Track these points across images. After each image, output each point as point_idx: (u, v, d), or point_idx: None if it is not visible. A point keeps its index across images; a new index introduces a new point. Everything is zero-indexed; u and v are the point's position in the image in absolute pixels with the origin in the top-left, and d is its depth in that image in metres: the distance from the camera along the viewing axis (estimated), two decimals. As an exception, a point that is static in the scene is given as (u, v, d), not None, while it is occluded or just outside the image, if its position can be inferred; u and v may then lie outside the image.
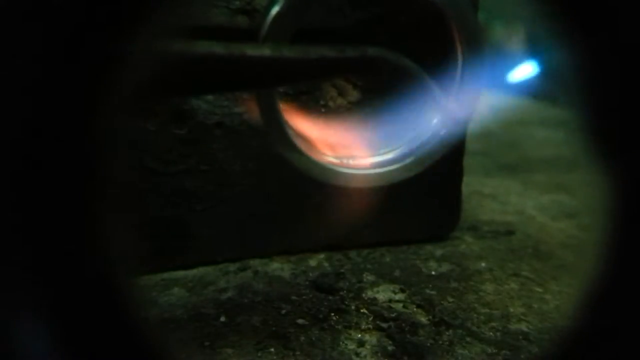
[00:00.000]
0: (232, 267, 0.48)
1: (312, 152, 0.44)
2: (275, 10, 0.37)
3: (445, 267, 0.49)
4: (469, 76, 0.43)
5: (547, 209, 0.65)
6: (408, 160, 0.46)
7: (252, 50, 0.28)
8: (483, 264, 0.50)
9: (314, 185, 0.42)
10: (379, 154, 0.46)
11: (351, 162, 0.46)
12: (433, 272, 0.48)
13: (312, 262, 0.49)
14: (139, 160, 0.44)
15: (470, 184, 0.64)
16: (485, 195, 0.70)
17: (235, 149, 0.47)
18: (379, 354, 0.37)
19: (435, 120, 0.46)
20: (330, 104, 0.49)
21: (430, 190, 0.52)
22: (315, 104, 0.49)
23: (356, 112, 0.50)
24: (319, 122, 0.48)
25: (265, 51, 0.29)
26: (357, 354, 0.36)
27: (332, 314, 0.41)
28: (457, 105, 0.42)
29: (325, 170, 0.43)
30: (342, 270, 0.48)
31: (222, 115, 0.46)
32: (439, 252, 0.53)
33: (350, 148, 0.48)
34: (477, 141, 0.89)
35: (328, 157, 0.44)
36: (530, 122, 1.13)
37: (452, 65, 0.44)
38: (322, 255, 0.51)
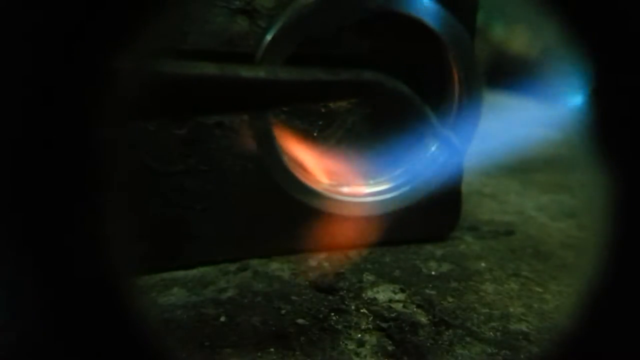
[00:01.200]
0: (232, 267, 0.48)
1: (307, 179, 0.44)
2: (270, 35, 0.37)
3: (445, 267, 0.49)
4: (467, 105, 0.43)
5: (547, 209, 0.65)
6: (403, 189, 0.46)
7: (246, 72, 0.28)
8: (483, 264, 0.50)
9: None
10: (375, 183, 0.46)
11: (346, 189, 0.45)
12: (433, 272, 0.48)
13: (312, 262, 0.49)
14: (139, 160, 0.44)
15: (470, 184, 0.64)
16: (485, 195, 0.70)
17: (235, 149, 0.47)
18: (379, 354, 0.37)
19: (432, 149, 0.46)
20: (331, 104, 0.49)
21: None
22: (315, 106, 0.49)
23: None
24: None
25: (260, 73, 0.28)
26: (357, 354, 0.36)
27: (332, 314, 0.41)
28: (454, 134, 0.42)
29: (320, 198, 0.43)
30: (342, 270, 0.48)
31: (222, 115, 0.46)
32: (439, 252, 0.53)
33: (346, 175, 0.48)
34: (477, 141, 0.89)
35: (323, 184, 0.44)
36: (530, 122, 1.12)
37: (449, 93, 0.44)
38: (322, 255, 0.51)
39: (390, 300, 0.43)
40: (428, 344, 0.38)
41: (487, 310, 0.42)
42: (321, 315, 0.41)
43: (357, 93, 0.35)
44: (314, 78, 0.30)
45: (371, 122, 0.50)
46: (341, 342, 0.38)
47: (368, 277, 0.47)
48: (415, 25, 0.45)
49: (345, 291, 0.44)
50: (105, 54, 0.15)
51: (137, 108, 0.16)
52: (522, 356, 0.37)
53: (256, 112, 0.38)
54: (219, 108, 0.32)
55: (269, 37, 0.40)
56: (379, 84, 0.33)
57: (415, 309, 0.42)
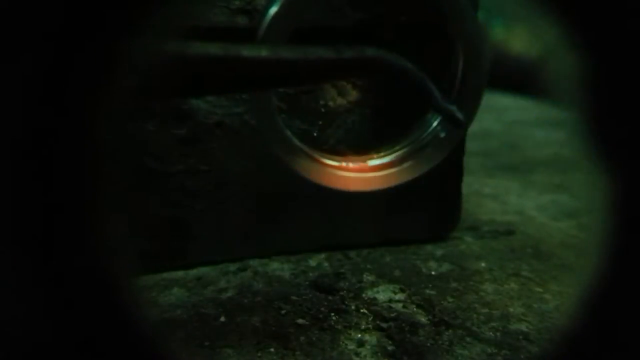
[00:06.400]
0: (232, 267, 0.48)
1: (310, 154, 0.44)
2: (273, 10, 0.37)
3: (445, 267, 0.49)
4: (470, 77, 0.43)
5: (547, 209, 0.65)
6: (407, 164, 0.46)
7: (248, 52, 0.28)
8: (483, 264, 0.50)
9: (314, 185, 0.42)
10: (378, 157, 0.46)
11: (350, 165, 0.45)
12: (433, 272, 0.48)
13: (312, 262, 0.49)
14: (139, 160, 0.44)
15: (470, 184, 0.64)
16: (485, 195, 0.70)
17: (235, 149, 0.47)
18: (379, 354, 0.37)
19: (434, 124, 0.46)
20: (330, 103, 0.49)
21: (430, 190, 0.52)
22: (315, 104, 0.49)
23: (355, 113, 0.50)
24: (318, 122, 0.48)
25: (262, 52, 0.28)
26: (357, 354, 0.36)
27: (332, 314, 0.41)
28: (457, 108, 0.42)
29: (324, 173, 0.43)
30: (342, 270, 0.48)
31: (222, 115, 0.46)
32: (439, 252, 0.53)
33: (349, 151, 0.48)
34: (477, 141, 0.89)
35: (327, 160, 0.44)
36: (530, 122, 1.13)
37: (453, 67, 0.44)
38: (322, 255, 0.51)
39: (390, 300, 0.43)
40: (428, 344, 0.38)
41: (487, 310, 0.42)
42: (321, 315, 0.41)
43: (360, 71, 0.35)
44: (316, 56, 0.30)
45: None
46: (341, 342, 0.38)
47: (368, 277, 0.47)
48: None
49: (345, 291, 0.44)
50: (111, 36, 0.15)
51: (141, 89, 0.16)
52: (522, 356, 0.37)
53: (260, 91, 0.38)
54: (222, 87, 0.32)
55: (271, 12, 0.40)
56: (382, 61, 0.33)
57: (415, 309, 0.42)
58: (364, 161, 0.46)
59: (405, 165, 0.45)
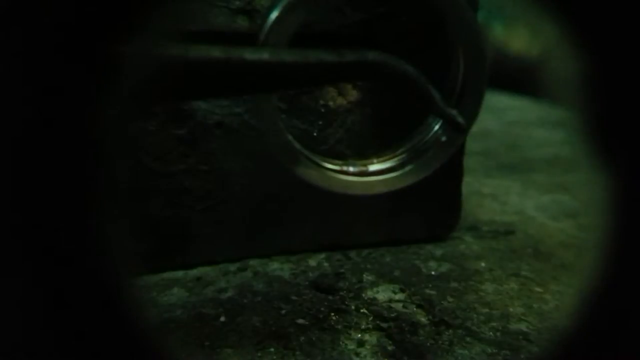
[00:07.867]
0: (232, 267, 0.48)
1: (312, 159, 0.44)
2: (274, 14, 0.37)
3: (445, 267, 0.49)
4: (471, 81, 0.43)
5: (547, 209, 0.65)
6: (407, 168, 0.46)
7: (250, 54, 0.28)
8: (483, 264, 0.50)
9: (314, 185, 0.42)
10: (379, 161, 0.46)
11: (351, 169, 0.46)
12: (433, 272, 0.48)
13: (312, 262, 0.49)
14: (139, 160, 0.44)
15: (470, 184, 0.64)
16: (485, 195, 0.70)
17: (235, 149, 0.47)
18: (379, 354, 0.37)
19: (436, 127, 0.46)
20: (330, 103, 0.49)
21: (430, 190, 0.52)
22: (315, 104, 0.49)
23: (356, 113, 0.50)
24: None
25: (264, 55, 0.28)
26: (357, 354, 0.36)
27: (332, 314, 0.41)
28: (458, 112, 0.42)
29: (325, 177, 0.43)
30: (342, 270, 0.48)
31: (222, 115, 0.46)
32: (439, 252, 0.53)
33: (350, 154, 0.48)
34: (477, 141, 0.89)
35: (328, 164, 0.44)
36: (530, 122, 1.13)
37: (453, 70, 0.44)
38: (322, 255, 0.51)
39: (390, 300, 0.43)
40: (428, 344, 0.38)
41: (487, 310, 0.42)
42: (321, 315, 0.41)
43: (362, 74, 0.35)
44: (318, 59, 0.30)
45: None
46: (341, 342, 0.38)
47: (368, 277, 0.47)
48: (418, 1, 0.45)
49: (345, 291, 0.44)
50: (109, 39, 0.15)
51: (144, 93, 0.16)
52: (522, 356, 0.37)
53: (262, 94, 0.38)
54: (225, 90, 0.32)
55: (272, 16, 0.40)
56: (384, 64, 0.33)
57: (415, 309, 0.42)
58: (365, 165, 0.46)
59: (406, 169, 0.45)
